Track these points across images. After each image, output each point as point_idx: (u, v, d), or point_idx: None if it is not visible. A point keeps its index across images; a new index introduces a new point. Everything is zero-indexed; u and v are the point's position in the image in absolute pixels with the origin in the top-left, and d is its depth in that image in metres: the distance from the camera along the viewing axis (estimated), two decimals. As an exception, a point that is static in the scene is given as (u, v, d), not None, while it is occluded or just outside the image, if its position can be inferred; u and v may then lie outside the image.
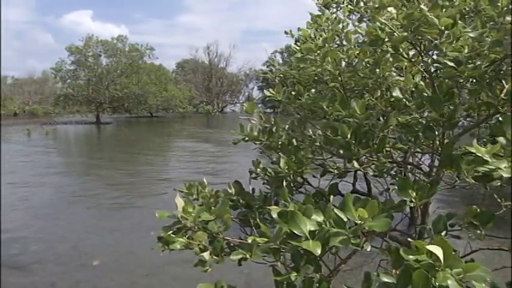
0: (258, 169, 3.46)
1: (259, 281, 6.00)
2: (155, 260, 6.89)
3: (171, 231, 2.09)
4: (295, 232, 1.73)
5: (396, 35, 2.50)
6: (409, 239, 1.91)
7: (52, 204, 11.69)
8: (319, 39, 3.19)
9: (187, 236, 2.23)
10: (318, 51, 2.81)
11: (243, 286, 5.89)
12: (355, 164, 2.94)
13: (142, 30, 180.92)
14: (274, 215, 1.98)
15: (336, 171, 3.26)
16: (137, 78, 64.32)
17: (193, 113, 75.78)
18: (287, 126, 3.31)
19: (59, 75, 66.81)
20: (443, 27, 2.05)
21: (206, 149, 25.75)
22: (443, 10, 2.10)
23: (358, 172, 5.23)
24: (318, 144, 3.19)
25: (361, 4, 2.61)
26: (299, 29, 5.57)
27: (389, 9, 2.23)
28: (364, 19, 4.58)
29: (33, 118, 69.92)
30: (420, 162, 3.66)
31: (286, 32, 5.87)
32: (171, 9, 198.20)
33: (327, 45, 2.83)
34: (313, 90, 3.13)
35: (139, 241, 8.01)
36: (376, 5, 2.43)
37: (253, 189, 3.02)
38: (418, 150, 3.08)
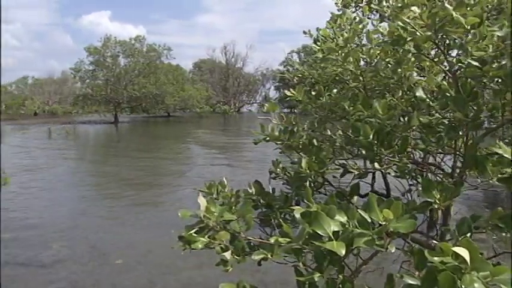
0: (278, 169, 3.46)
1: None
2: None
3: (193, 231, 2.10)
4: (319, 232, 1.72)
5: (419, 34, 2.48)
6: (434, 241, 1.88)
7: (74, 200, 11.85)
8: (339, 39, 3.18)
9: (208, 235, 2.24)
10: (340, 51, 2.79)
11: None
12: (376, 165, 2.92)
13: (160, 31, 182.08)
14: (297, 215, 1.97)
15: (356, 172, 3.24)
16: (155, 78, 64.73)
17: (210, 113, 75.94)
18: (305, 126, 3.30)
19: (78, 76, 67.60)
20: (469, 26, 2.02)
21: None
22: (468, 9, 2.07)
23: (377, 172, 5.20)
24: (338, 144, 3.18)
25: (384, 3, 2.59)
26: (318, 29, 5.56)
27: (412, 8, 2.20)
28: (384, 18, 4.55)
29: (53, 118, 70.90)
30: (441, 163, 3.61)
31: (304, 32, 5.85)
32: (189, 9, 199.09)
33: (348, 45, 2.81)
34: (334, 90, 3.12)
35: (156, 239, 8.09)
36: (399, 4, 2.41)
37: (273, 189, 3.02)
38: (439, 150, 3.05)
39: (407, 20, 2.24)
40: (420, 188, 3.99)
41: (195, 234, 2.18)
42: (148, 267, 6.87)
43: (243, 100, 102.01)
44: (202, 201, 2.04)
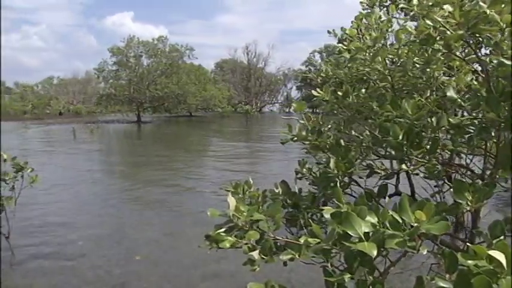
0: (304, 169, 3.45)
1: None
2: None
3: (222, 230, 2.10)
4: (350, 233, 1.71)
5: (449, 33, 2.44)
6: (466, 244, 1.85)
7: (96, 197, 12.03)
8: (366, 38, 3.15)
9: (234, 234, 2.24)
10: (368, 51, 2.77)
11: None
12: (404, 166, 2.89)
13: (182, 31, 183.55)
14: (327, 216, 1.96)
15: (382, 172, 3.21)
16: (177, 78, 65.18)
17: (231, 113, 76.12)
18: (329, 126, 3.28)
19: (101, 76, 68.52)
20: (504, 25, 1.98)
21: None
22: (503, 6, 2.03)
23: (401, 173, 5.14)
24: (365, 145, 3.15)
25: (414, 1, 2.55)
26: (342, 29, 5.52)
27: (445, 6, 2.17)
28: (409, 17, 4.49)
29: (77, 117, 72.08)
30: (469, 164, 3.55)
31: (329, 32, 5.82)
32: (211, 10, 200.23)
33: (376, 44, 2.79)
34: (363, 90, 3.09)
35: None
36: (430, 3, 2.37)
37: (299, 189, 3.01)
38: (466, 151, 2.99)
39: (439, 19, 2.21)
40: (446, 190, 3.93)
41: (222, 233, 2.19)
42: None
43: (264, 100, 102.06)
44: (231, 200, 2.04)
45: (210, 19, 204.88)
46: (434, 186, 4.34)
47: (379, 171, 3.23)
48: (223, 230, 2.10)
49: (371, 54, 2.79)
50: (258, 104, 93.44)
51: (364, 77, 3.45)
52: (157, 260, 7.12)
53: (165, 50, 66.21)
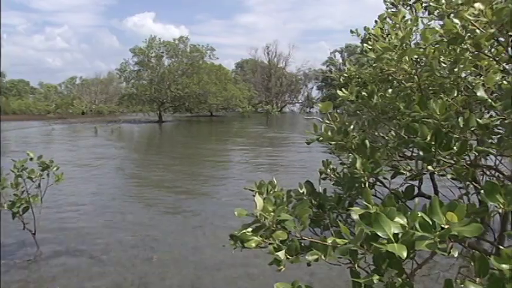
0: (328, 169, 3.43)
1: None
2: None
3: (249, 229, 2.10)
4: (379, 234, 1.69)
5: (479, 32, 2.40)
6: (500, 247, 1.81)
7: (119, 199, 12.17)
8: (392, 37, 3.11)
9: (260, 234, 2.24)
10: (395, 50, 2.74)
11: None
12: (430, 167, 2.84)
13: (202, 31, 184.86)
14: (355, 217, 1.95)
15: (408, 173, 3.17)
16: (198, 78, 65.48)
17: (252, 113, 76.18)
18: (351, 127, 3.25)
19: (123, 76, 69.25)
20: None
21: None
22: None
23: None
24: (390, 145, 3.11)
25: (442, 0, 2.52)
26: (366, 28, 5.47)
27: (476, 5, 2.13)
28: (434, 16, 4.42)
29: (99, 116, 73.02)
30: (498, 165, 3.49)
31: (351, 31, 5.78)
32: (232, 10, 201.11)
33: (404, 44, 2.76)
34: (390, 90, 3.06)
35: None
36: (460, 1, 2.34)
37: (324, 190, 2.99)
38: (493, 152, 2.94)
39: (469, 17, 2.17)
40: (472, 191, 3.87)
41: (249, 233, 2.19)
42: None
43: (285, 100, 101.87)
44: (258, 200, 2.04)
45: (231, 19, 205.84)
46: (458, 188, 4.27)
47: (404, 172, 3.19)
48: (250, 229, 2.09)
49: (398, 53, 2.76)
50: (279, 104, 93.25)
51: (390, 77, 3.41)
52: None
53: (186, 50, 66.58)
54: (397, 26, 2.98)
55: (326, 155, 3.69)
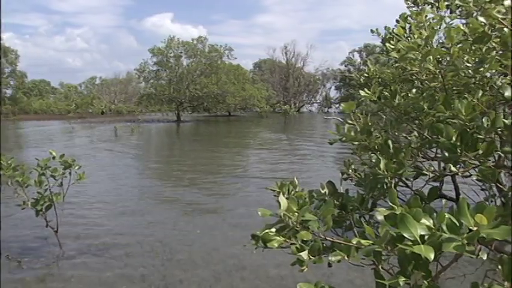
0: (350, 170, 3.41)
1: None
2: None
3: (272, 229, 2.10)
4: (405, 235, 1.67)
5: (507, 30, 2.37)
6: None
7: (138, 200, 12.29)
8: (416, 37, 3.08)
9: (283, 234, 2.24)
10: (419, 50, 2.71)
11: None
12: (452, 168, 2.81)
13: (220, 31, 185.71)
14: (380, 218, 1.93)
15: (431, 174, 3.13)
16: (216, 78, 65.68)
17: (270, 112, 76.14)
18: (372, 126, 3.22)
19: (142, 76, 69.80)
20: None
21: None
22: None
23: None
24: (413, 146, 3.08)
25: (469, -1, 2.48)
26: (386, 28, 5.43)
27: (506, 2, 2.10)
28: (458, 15, 4.36)
29: (118, 116, 73.80)
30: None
31: (372, 31, 5.73)
32: (248, 10, 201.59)
33: (428, 43, 2.73)
34: (413, 90, 3.03)
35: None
36: None
37: (346, 190, 2.98)
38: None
39: (498, 15, 2.14)
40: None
41: (271, 233, 2.19)
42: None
43: (303, 100, 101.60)
44: (282, 200, 2.04)
45: (249, 19, 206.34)
46: (481, 189, 4.21)
47: (426, 173, 3.16)
48: (273, 229, 2.09)
49: (422, 53, 2.73)
50: (297, 104, 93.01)
51: (413, 77, 3.37)
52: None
53: (205, 50, 66.82)
54: (421, 25, 2.95)
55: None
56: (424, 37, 2.78)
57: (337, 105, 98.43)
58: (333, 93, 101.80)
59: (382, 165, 2.53)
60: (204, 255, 7.40)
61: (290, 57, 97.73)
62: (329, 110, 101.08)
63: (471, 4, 2.37)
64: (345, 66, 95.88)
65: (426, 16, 3.37)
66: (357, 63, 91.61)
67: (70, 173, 7.29)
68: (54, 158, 7.15)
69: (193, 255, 7.43)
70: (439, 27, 3.25)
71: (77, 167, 7.29)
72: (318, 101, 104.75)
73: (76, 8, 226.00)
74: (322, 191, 2.94)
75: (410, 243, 1.70)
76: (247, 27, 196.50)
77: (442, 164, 3.26)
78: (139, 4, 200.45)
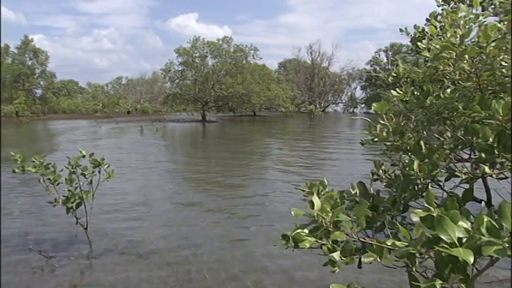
0: (380, 171, 3.38)
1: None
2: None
3: (305, 230, 2.10)
4: (443, 238, 1.65)
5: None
6: None
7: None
8: (447, 35, 3.03)
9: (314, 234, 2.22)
10: (454, 49, 2.66)
11: None
12: (487, 169, 2.75)
13: (245, 31, 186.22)
14: (415, 219, 1.90)
15: (464, 176, 3.07)
16: (241, 78, 65.88)
17: (295, 113, 75.96)
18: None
19: (168, 76, 70.47)
20: None
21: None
22: None
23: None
24: (446, 147, 3.03)
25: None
26: (415, 27, 5.35)
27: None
28: (492, 13, 4.27)
29: (143, 116, 74.72)
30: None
31: (401, 30, 5.66)
32: (274, 10, 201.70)
33: (463, 42, 2.68)
34: (448, 90, 2.98)
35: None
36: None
37: (377, 191, 2.94)
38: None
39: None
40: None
41: (303, 233, 2.18)
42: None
43: (328, 100, 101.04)
44: (316, 200, 2.03)
45: (274, 19, 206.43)
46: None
47: (459, 174, 3.10)
48: (305, 229, 2.09)
49: (457, 52, 2.68)
50: (322, 104, 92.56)
51: (447, 77, 3.32)
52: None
53: (230, 50, 67.09)
54: (456, 23, 2.89)
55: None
56: (458, 36, 2.74)
57: (362, 105, 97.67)
58: (359, 93, 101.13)
59: (415, 166, 2.50)
60: (229, 254, 7.42)
61: (315, 56, 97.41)
62: (354, 110, 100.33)
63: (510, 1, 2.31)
64: (371, 66, 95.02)
65: (461, 14, 3.31)
66: (382, 63, 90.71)
67: (99, 172, 7.41)
68: (84, 156, 7.29)
69: (220, 254, 7.46)
70: (475, 26, 3.19)
71: (106, 166, 7.41)
72: (343, 101, 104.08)
73: (103, 10, 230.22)
74: (353, 192, 2.92)
75: (447, 245, 1.67)
76: (272, 27, 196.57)
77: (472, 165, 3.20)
78: (165, 5, 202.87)
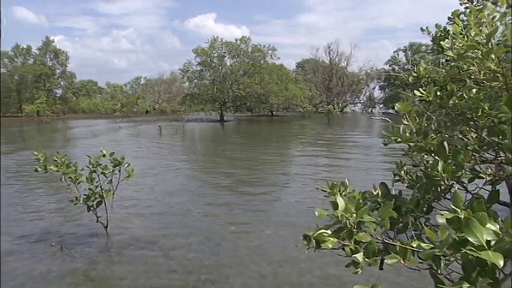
0: (402, 171, 3.34)
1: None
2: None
3: (328, 231, 2.08)
4: (471, 240, 1.62)
5: None
6: None
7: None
8: (472, 34, 2.98)
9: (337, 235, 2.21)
10: (480, 48, 2.62)
11: None
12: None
13: (263, 31, 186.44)
14: (441, 221, 1.87)
15: (488, 178, 3.02)
16: (259, 78, 65.90)
17: (313, 112, 75.68)
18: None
19: (186, 76, 70.88)
20: None
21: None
22: None
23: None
24: (470, 148, 2.98)
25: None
26: (437, 26, 5.27)
27: None
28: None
29: (162, 115, 75.26)
30: None
31: (422, 29, 5.59)
32: (292, 10, 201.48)
33: (490, 41, 2.63)
34: (474, 90, 2.93)
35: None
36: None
37: (400, 192, 2.91)
38: None
39: None
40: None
41: (325, 234, 2.16)
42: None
43: (346, 100, 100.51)
44: (340, 201, 2.02)
45: (292, 19, 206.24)
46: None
47: (483, 175, 3.05)
48: (329, 230, 2.07)
49: (483, 51, 2.63)
50: (340, 104, 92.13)
51: (471, 77, 3.26)
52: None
53: (248, 50, 67.18)
54: (482, 21, 2.84)
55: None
56: (484, 34, 2.69)
57: (381, 105, 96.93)
58: (377, 93, 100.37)
59: (439, 167, 2.46)
60: (250, 253, 7.42)
61: (333, 56, 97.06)
62: (373, 110, 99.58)
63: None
64: (390, 66, 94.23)
65: (487, 12, 3.25)
66: (401, 63, 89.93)
67: (119, 171, 7.48)
68: (104, 156, 7.37)
69: (239, 251, 7.46)
70: (501, 24, 3.13)
71: (126, 165, 7.47)
72: (362, 101, 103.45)
73: (121, 10, 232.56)
74: (375, 193, 2.89)
75: (475, 248, 1.64)
76: (290, 26, 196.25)
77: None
78: (183, 5, 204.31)
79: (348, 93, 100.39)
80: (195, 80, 69.49)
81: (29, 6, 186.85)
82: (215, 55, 67.17)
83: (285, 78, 73.67)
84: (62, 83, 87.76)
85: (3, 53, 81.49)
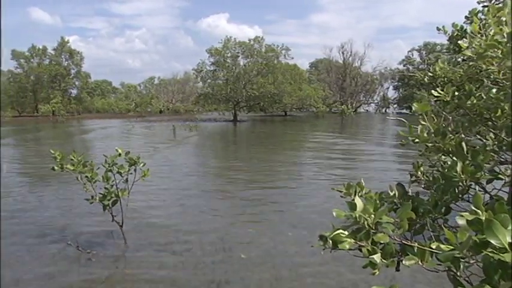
0: (419, 172, 3.32)
1: None
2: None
3: (345, 231, 2.07)
4: (492, 242, 1.59)
5: None
6: None
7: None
8: (490, 33, 2.94)
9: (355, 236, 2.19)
10: (500, 47, 2.58)
11: None
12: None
13: (276, 31, 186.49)
14: (461, 222, 1.85)
15: (507, 178, 2.98)
16: (273, 78, 65.86)
17: (326, 113, 75.40)
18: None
19: (199, 76, 71.12)
20: None
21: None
22: None
23: None
24: (489, 148, 2.95)
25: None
26: (454, 25, 5.21)
27: None
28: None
29: (175, 115, 75.62)
30: None
31: (438, 29, 5.53)
32: (304, 9, 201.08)
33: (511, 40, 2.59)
34: (494, 90, 2.89)
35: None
36: None
37: (417, 193, 2.89)
38: None
39: None
40: None
41: (342, 234, 2.15)
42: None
43: (360, 100, 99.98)
44: (358, 201, 2.01)
45: (305, 19, 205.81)
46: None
47: (502, 177, 3.01)
48: (347, 231, 2.06)
49: (504, 50, 2.59)
50: (353, 104, 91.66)
51: (490, 76, 3.22)
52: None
53: (261, 50, 67.17)
54: (502, 20, 2.81)
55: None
56: (505, 33, 2.65)
57: (395, 106, 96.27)
58: (391, 93, 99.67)
59: (458, 168, 2.43)
60: (263, 254, 7.42)
61: (347, 56, 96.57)
62: (387, 110, 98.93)
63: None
64: (404, 66, 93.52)
65: (507, 10, 3.20)
66: (416, 62, 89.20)
67: (135, 170, 7.51)
68: (120, 155, 7.41)
69: (253, 253, 7.46)
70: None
71: (141, 164, 7.50)
72: (376, 101, 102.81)
73: (134, 11, 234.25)
74: (391, 193, 2.87)
75: (496, 250, 1.62)
76: (303, 26, 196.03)
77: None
78: (196, 5, 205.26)
79: (361, 93, 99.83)
80: (209, 80, 69.68)
81: (44, 8, 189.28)
82: (229, 55, 67.29)
83: (299, 78, 73.52)
84: (76, 83, 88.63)
85: (20, 53, 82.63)
